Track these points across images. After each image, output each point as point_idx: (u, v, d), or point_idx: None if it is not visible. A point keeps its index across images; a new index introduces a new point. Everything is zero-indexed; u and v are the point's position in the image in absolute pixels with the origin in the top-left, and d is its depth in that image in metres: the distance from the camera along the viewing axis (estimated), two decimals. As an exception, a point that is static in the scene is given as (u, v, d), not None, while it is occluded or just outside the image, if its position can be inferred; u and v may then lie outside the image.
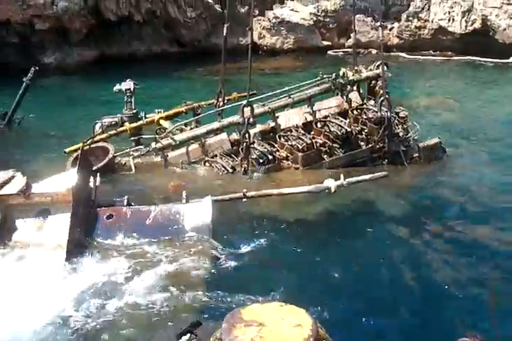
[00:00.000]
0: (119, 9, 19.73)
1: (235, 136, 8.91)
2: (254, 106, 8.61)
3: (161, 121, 9.52)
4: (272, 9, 22.34)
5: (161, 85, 15.86)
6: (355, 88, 9.62)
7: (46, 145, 10.37)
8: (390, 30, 22.01)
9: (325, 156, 8.68)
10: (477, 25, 20.15)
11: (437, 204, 7.90)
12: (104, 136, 9.10)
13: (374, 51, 20.61)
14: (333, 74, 9.34)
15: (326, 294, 5.39)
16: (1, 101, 12.88)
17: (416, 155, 9.05)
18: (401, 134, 9.12)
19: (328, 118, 8.96)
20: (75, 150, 8.42)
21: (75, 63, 19.65)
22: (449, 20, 20.69)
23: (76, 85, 17.21)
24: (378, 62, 9.40)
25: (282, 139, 8.73)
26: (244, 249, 5.92)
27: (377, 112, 8.80)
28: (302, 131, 8.75)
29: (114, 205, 5.93)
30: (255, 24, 20.75)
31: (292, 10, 22.28)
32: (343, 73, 9.43)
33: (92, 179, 5.93)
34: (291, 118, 9.14)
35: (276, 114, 9.05)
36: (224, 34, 9.31)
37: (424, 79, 17.99)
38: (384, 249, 6.43)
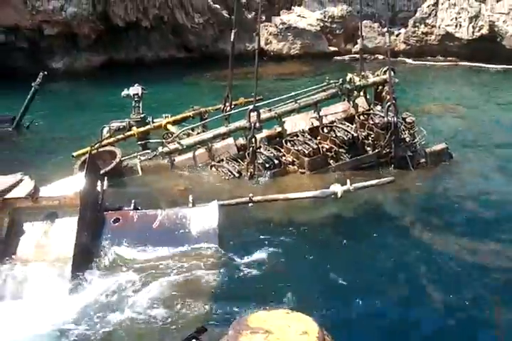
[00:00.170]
0: (127, 15, 19.90)
1: (241, 140, 8.94)
2: (261, 111, 8.66)
3: (169, 126, 9.56)
4: (279, 15, 22.42)
5: (168, 90, 15.92)
6: (362, 93, 9.61)
7: (54, 149, 10.45)
8: (397, 35, 22.00)
9: (331, 161, 8.68)
10: (484, 31, 20.09)
11: (444, 209, 7.85)
12: (111, 140, 9.14)
13: (381, 57, 20.56)
14: (340, 80, 9.35)
15: (333, 301, 5.36)
16: (10, 105, 13.00)
17: (423, 160, 9.02)
18: (408, 139, 9.07)
19: (335, 124, 8.97)
20: (83, 154, 8.46)
21: (84, 68, 19.81)
22: (456, 26, 20.64)
23: (84, 90, 17.34)
24: (385, 68, 9.37)
25: (288, 144, 8.74)
26: (251, 254, 5.91)
27: (383, 117, 8.76)
28: (308, 136, 8.76)
29: (121, 209, 5.97)
30: (262, 30, 20.81)
31: (299, 16, 22.34)
32: (350, 78, 9.43)
33: (99, 183, 5.96)
34: (297, 123, 9.14)
35: (283, 119, 9.07)
36: (231, 40, 9.38)
37: (431, 84, 17.96)
38: (391, 254, 6.39)
